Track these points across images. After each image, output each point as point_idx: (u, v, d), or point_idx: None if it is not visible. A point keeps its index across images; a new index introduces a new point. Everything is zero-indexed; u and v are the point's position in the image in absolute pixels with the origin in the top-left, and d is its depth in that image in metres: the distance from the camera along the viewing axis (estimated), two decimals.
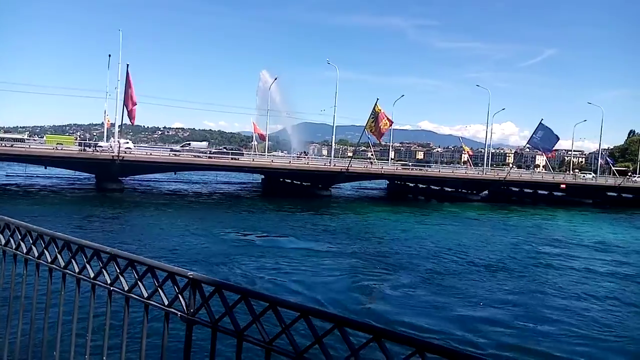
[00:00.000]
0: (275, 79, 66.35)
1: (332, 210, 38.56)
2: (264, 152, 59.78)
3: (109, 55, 48.64)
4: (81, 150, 41.75)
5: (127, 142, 49.75)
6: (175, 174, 51.92)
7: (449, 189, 56.35)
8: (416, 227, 30.85)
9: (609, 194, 63.98)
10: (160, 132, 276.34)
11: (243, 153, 56.01)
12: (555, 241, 28.10)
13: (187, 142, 68.14)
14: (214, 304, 2.15)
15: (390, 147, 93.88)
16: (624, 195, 64.40)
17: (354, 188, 62.70)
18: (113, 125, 48.90)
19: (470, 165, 77.04)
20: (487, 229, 31.94)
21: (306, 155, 63.17)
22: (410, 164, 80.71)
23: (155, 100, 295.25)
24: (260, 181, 62.06)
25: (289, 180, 53.77)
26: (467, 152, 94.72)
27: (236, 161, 48.25)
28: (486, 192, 57.32)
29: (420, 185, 59.67)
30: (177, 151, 53.38)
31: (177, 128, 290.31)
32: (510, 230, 31.90)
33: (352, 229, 28.29)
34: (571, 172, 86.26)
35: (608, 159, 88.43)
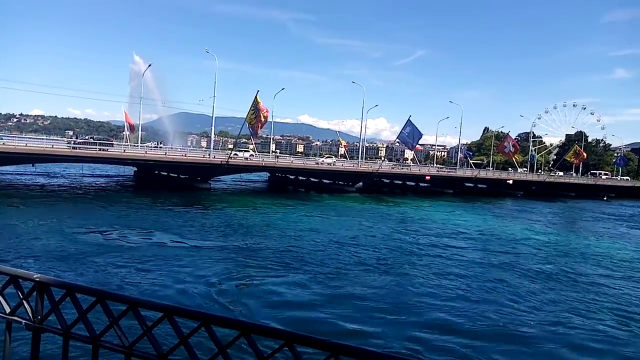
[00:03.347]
0: (149, 65, 62.62)
1: (212, 203, 37.66)
2: (137, 142, 56.22)
3: None
4: None
5: None
6: (33, 166, 46.88)
7: (327, 181, 58.27)
8: (298, 219, 31.35)
9: (466, 184, 71.24)
10: (16, 120, 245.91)
11: (113, 144, 52.12)
12: (426, 230, 30.35)
13: None
14: (66, 309, 1.94)
15: (271, 140, 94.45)
16: (479, 185, 72.12)
17: (234, 181, 61.91)
18: None
19: (347, 158, 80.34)
20: (365, 219, 33.46)
21: (162, 146, 59.10)
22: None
23: (10, 83, 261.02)
24: (132, 174, 58.52)
25: (165, 173, 51.40)
26: (344, 145, 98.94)
27: (105, 152, 44.74)
28: (361, 183, 60.34)
29: (301, 178, 60.85)
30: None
31: (36, 115, 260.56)
32: (385, 220, 33.79)
33: (233, 223, 27.85)
34: (435, 164, 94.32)
35: (467, 152, 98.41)
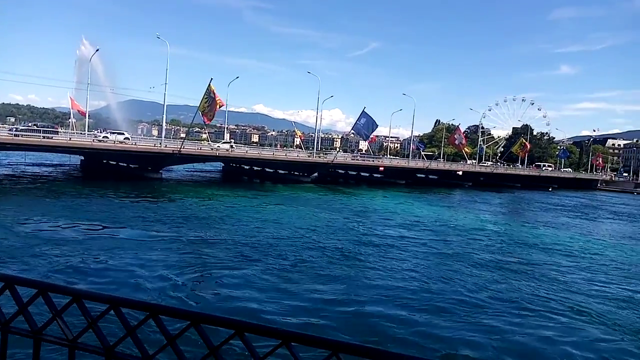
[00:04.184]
0: (97, 49, 60.04)
1: (164, 194, 36.77)
2: (84, 130, 53.98)
3: None
4: None
5: None
6: None
7: (283, 171, 58.13)
8: (254, 210, 31.06)
9: (418, 175, 72.89)
10: None
11: (58, 131, 49.85)
12: (380, 220, 30.88)
13: None
14: (5, 303, 1.85)
15: (226, 129, 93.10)
16: (430, 176, 73.96)
17: (187, 171, 60.66)
18: None
19: (302, 149, 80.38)
20: (321, 210, 33.53)
21: (106, 137, 54.89)
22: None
23: None
24: (79, 163, 56.27)
25: (114, 162, 49.70)
26: (299, 136, 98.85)
27: (50, 140, 42.71)
28: (316, 174, 60.55)
29: (255, 168, 60.40)
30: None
31: None
32: (341, 211, 34.02)
33: (186, 214, 27.27)
34: (388, 155, 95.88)
35: (419, 144, 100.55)
